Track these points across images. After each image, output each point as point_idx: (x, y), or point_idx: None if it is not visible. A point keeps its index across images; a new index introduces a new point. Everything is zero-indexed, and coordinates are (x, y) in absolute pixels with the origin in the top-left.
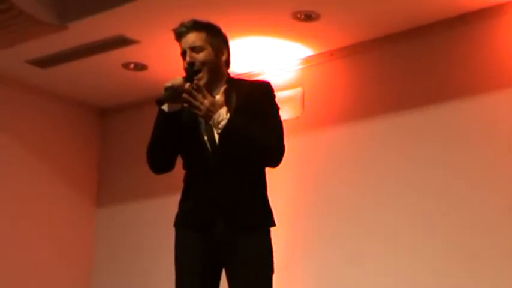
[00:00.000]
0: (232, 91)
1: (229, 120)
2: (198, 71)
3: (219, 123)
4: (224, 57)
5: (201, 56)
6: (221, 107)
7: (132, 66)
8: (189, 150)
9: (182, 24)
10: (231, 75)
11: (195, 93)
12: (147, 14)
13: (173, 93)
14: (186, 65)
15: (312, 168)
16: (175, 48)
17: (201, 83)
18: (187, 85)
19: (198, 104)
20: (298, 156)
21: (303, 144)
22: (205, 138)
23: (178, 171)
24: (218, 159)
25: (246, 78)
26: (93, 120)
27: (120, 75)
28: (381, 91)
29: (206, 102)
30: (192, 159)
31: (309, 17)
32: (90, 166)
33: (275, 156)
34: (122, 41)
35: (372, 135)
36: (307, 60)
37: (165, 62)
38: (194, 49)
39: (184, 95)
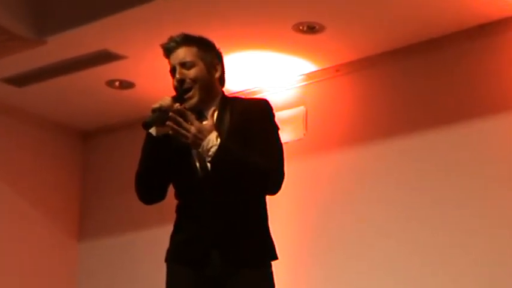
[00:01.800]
0: (225, 111)
1: (219, 147)
2: (189, 89)
3: (208, 150)
4: (218, 74)
5: (192, 73)
6: (210, 132)
7: (117, 84)
8: (180, 178)
9: (171, 39)
10: (226, 93)
11: (179, 119)
12: (134, 27)
13: (161, 115)
14: (175, 83)
15: (316, 195)
16: (166, 64)
17: (192, 102)
18: (176, 105)
19: (183, 131)
20: (300, 182)
21: (305, 169)
22: (197, 164)
23: (170, 200)
24: (211, 187)
25: (242, 96)
26: (74, 144)
27: (104, 94)
28: (391, 110)
29: (193, 129)
30: (184, 187)
31: (312, 29)
32: (70, 195)
33: (273, 182)
34: (107, 57)
35: (381, 158)
36: (310, 76)
37: (153, 79)
38: (184, 65)
39: (168, 122)
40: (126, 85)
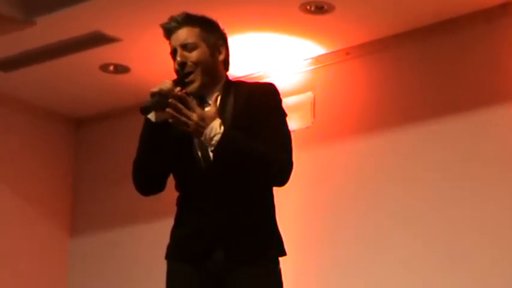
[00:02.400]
0: (229, 96)
1: (223, 135)
2: (190, 73)
3: (211, 139)
4: (221, 57)
5: (194, 55)
6: (213, 119)
7: (111, 68)
8: (181, 168)
9: (172, 19)
10: (230, 78)
11: (180, 106)
12: (129, 7)
13: (161, 99)
14: (176, 66)
15: (326, 187)
16: (163, 47)
17: (194, 86)
18: (177, 90)
19: (184, 119)
20: (308, 173)
21: (314, 159)
22: (199, 153)
23: (169, 192)
24: (214, 178)
25: (247, 81)
26: (66, 133)
27: (98, 79)
28: (405, 96)
29: (194, 116)
30: (185, 177)
31: (320, 8)
32: (62, 187)
33: (281, 172)
34: (100, 39)
35: (395, 147)
36: (318, 60)
37: (150, 62)
38: (186, 47)
39: (167, 109)
40: (121, 69)
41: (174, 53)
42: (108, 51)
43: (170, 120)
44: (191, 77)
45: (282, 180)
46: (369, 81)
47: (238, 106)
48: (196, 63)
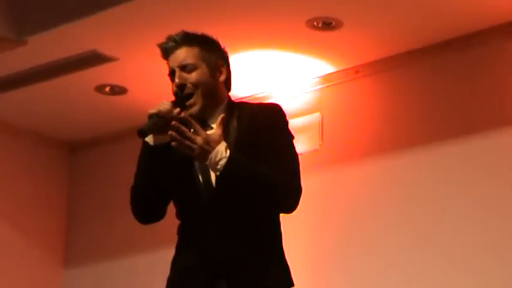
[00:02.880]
0: (232, 118)
1: (229, 159)
2: (190, 95)
3: (217, 163)
4: (223, 77)
5: (193, 77)
6: (218, 143)
7: (107, 89)
8: (181, 194)
9: (169, 38)
10: (233, 99)
11: (183, 128)
12: (126, 24)
13: (159, 121)
14: (174, 88)
15: (335, 213)
16: (162, 67)
17: (194, 109)
18: (176, 111)
19: (188, 143)
20: (317, 198)
21: (322, 184)
22: (200, 178)
23: (168, 220)
24: (217, 204)
25: (251, 102)
26: (59, 158)
27: (93, 101)
28: (418, 116)
29: (199, 139)
30: (186, 205)
31: (328, 25)
32: (55, 215)
33: (290, 198)
34: (95, 58)
35: (407, 171)
36: (326, 78)
37: (148, 83)
38: (184, 68)
39: (170, 132)
40: (118, 90)
41: (172, 74)
42: (103, 71)
43: (173, 143)
44: (191, 101)
45: (291, 207)
46: (380, 101)
47: (242, 129)
48: (196, 85)
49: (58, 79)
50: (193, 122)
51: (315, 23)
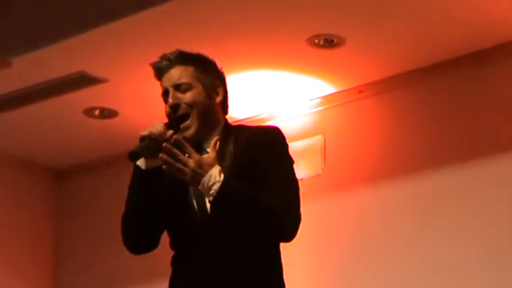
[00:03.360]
0: (228, 142)
1: (222, 184)
2: (185, 117)
3: (210, 188)
4: (219, 98)
5: (188, 97)
6: (211, 166)
7: (97, 112)
8: (175, 222)
9: (163, 57)
10: (230, 122)
11: (175, 151)
12: (116, 44)
13: (151, 144)
14: (168, 109)
15: (338, 242)
16: (156, 88)
17: (189, 132)
18: (169, 133)
19: (180, 166)
20: (318, 227)
21: (324, 211)
22: (195, 204)
23: (164, 249)
24: (212, 233)
25: (248, 124)
26: (46, 186)
27: (82, 125)
28: (425, 139)
29: (191, 162)
30: (180, 233)
31: (330, 42)
32: (41, 247)
33: (289, 226)
34: (84, 80)
35: (414, 198)
36: (328, 99)
37: (141, 106)
38: (179, 88)
39: (161, 154)
40: (108, 114)
41: (165, 94)
42: (93, 93)
43: (164, 167)
44: (186, 123)
45: (289, 235)
46: (385, 122)
47: (238, 153)
48: (190, 105)
49: (44, 102)
50: (186, 144)
51: (316, 41)
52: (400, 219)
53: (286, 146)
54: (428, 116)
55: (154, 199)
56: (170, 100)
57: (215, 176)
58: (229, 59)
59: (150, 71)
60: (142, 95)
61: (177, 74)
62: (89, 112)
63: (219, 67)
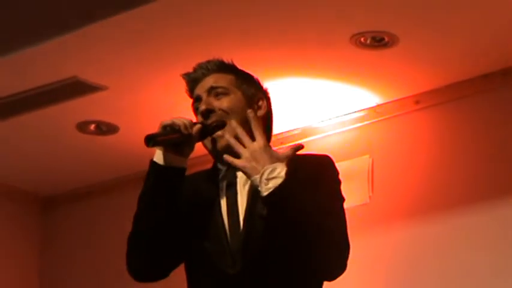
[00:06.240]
0: None
1: (285, 182)
2: (220, 125)
3: (268, 180)
4: (261, 112)
5: (224, 102)
6: (279, 161)
7: (93, 127)
8: (196, 243)
9: (199, 66)
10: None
11: (240, 130)
12: (116, 44)
13: (174, 134)
14: (199, 119)
15: (386, 282)
16: (167, 97)
17: (222, 144)
18: (196, 127)
19: (238, 146)
20: (364, 263)
21: (370, 246)
22: (226, 221)
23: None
24: (251, 257)
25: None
26: (31, 215)
27: (74, 142)
28: (500, 157)
29: (254, 144)
30: (202, 259)
31: (379, 41)
32: (25, 283)
33: (341, 259)
34: (77, 88)
35: (484, 226)
36: (376, 111)
37: (146, 120)
38: (213, 91)
39: (219, 132)
40: (106, 129)
41: (196, 102)
42: (88, 104)
43: (219, 147)
44: (220, 132)
45: (339, 270)
46: (446, 140)
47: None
48: (227, 112)
49: (30, 114)
50: (257, 124)
51: (362, 39)
52: (461, 257)
53: (339, 181)
54: (504, 129)
55: (173, 209)
56: (202, 106)
57: (280, 170)
58: (256, 64)
59: (160, 77)
60: (150, 106)
61: (213, 79)
62: (82, 127)
63: (264, 88)
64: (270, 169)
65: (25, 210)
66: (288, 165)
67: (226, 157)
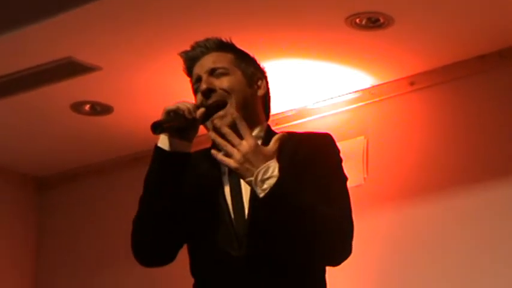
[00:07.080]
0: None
1: (279, 180)
2: (221, 104)
3: (263, 181)
4: (261, 91)
5: (225, 81)
6: (270, 159)
7: (87, 107)
8: (200, 234)
9: (197, 44)
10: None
11: (227, 130)
12: (112, 23)
13: (179, 120)
14: (199, 99)
15: (380, 262)
16: (163, 77)
17: (226, 121)
18: (200, 111)
19: (228, 147)
20: (357, 244)
21: (365, 229)
22: (231, 209)
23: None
24: (254, 246)
25: (296, 131)
26: (25, 197)
27: (68, 123)
28: (494, 139)
29: (245, 145)
30: (206, 249)
31: (374, 22)
32: (21, 267)
33: (345, 245)
34: (71, 68)
35: (474, 212)
36: (372, 92)
37: (141, 100)
38: (214, 72)
39: (210, 132)
40: (101, 109)
41: (196, 83)
42: (82, 84)
43: (212, 151)
44: (222, 112)
45: (344, 255)
46: (441, 121)
47: (283, 163)
48: (228, 91)
49: (23, 95)
50: (242, 121)
51: (358, 20)
52: (455, 237)
53: (340, 160)
54: (500, 111)
55: (179, 194)
56: (203, 85)
57: (273, 169)
58: (251, 46)
59: (156, 58)
60: (144, 87)
61: (212, 59)
62: (77, 107)
63: (262, 67)
64: (263, 170)
65: (20, 191)
66: (288, 147)
67: (218, 156)
